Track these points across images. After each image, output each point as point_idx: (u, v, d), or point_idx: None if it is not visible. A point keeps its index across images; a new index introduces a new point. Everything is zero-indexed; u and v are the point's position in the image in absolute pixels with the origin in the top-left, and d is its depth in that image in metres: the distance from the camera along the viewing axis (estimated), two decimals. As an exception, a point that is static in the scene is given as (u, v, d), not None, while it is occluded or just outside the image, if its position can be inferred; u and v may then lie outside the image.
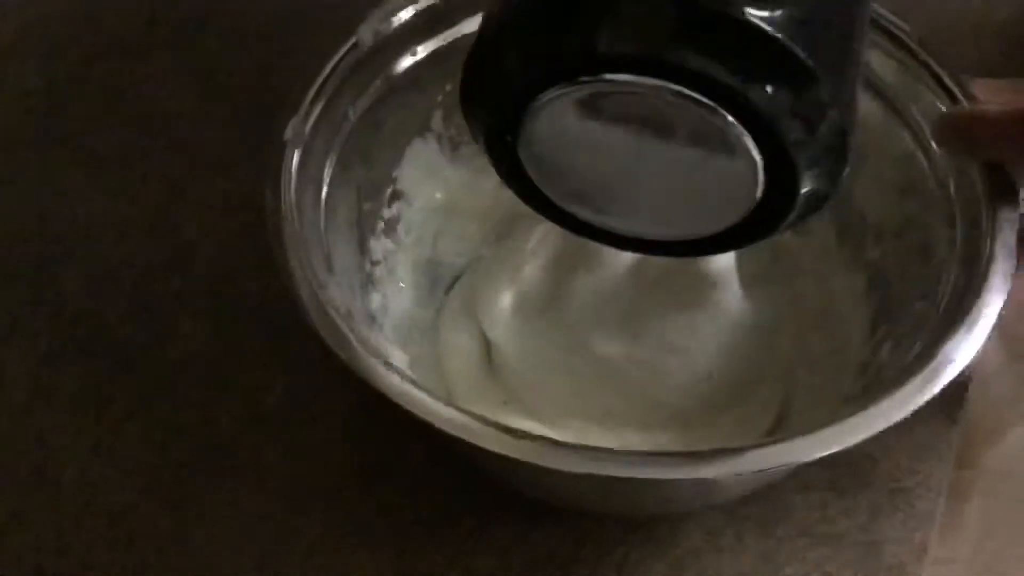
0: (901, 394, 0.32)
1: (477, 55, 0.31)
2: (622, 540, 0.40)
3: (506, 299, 0.44)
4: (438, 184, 0.45)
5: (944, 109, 0.39)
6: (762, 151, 0.29)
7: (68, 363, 0.44)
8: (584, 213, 0.34)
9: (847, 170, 0.31)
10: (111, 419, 0.43)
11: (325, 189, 0.39)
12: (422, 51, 0.42)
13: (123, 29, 0.53)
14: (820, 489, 0.41)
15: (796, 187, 0.30)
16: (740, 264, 0.42)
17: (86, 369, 0.44)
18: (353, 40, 0.41)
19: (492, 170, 0.42)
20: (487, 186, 0.45)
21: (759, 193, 0.31)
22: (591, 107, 0.30)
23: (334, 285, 0.36)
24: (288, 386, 0.43)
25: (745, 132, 0.29)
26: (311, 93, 0.39)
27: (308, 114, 0.39)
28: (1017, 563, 0.41)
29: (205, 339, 0.44)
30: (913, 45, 0.41)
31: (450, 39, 0.43)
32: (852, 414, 0.32)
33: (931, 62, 0.40)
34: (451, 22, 0.43)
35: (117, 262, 0.47)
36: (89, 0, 0.54)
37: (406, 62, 0.42)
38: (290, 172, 0.37)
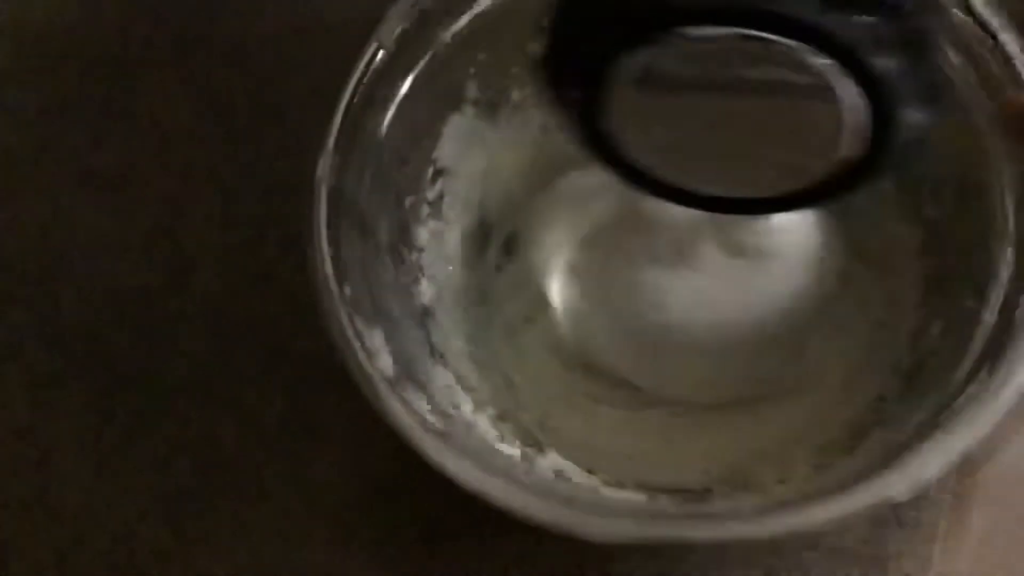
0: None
1: (560, 19, 0.31)
2: (627, 558, 0.40)
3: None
4: (480, 151, 0.44)
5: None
6: (858, 87, 0.28)
7: (68, 382, 0.44)
8: (667, 174, 0.34)
9: (942, 99, 0.30)
10: (112, 438, 0.42)
11: (363, 205, 0.39)
12: (449, 35, 0.41)
13: (120, 46, 0.53)
14: (823, 502, 0.41)
15: (894, 124, 0.29)
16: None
17: (86, 388, 0.44)
18: (375, 45, 0.40)
19: (531, 122, 0.44)
20: (528, 138, 0.45)
21: (855, 136, 0.30)
22: (676, 65, 0.30)
23: (379, 337, 0.37)
24: (289, 404, 0.43)
25: (840, 68, 0.28)
26: (337, 119, 0.39)
27: (338, 140, 0.38)
28: (1019, 575, 0.41)
29: (205, 357, 0.44)
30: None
31: (475, 12, 0.41)
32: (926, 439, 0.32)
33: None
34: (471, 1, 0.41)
35: (116, 280, 0.46)
36: (87, 17, 0.54)
37: (434, 49, 0.41)
38: (321, 211, 0.37)
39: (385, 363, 0.36)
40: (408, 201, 0.42)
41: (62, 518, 0.41)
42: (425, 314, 0.41)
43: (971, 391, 0.34)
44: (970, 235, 0.38)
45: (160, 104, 0.52)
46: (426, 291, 0.42)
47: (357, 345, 0.35)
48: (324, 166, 0.38)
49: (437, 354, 0.41)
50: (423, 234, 0.43)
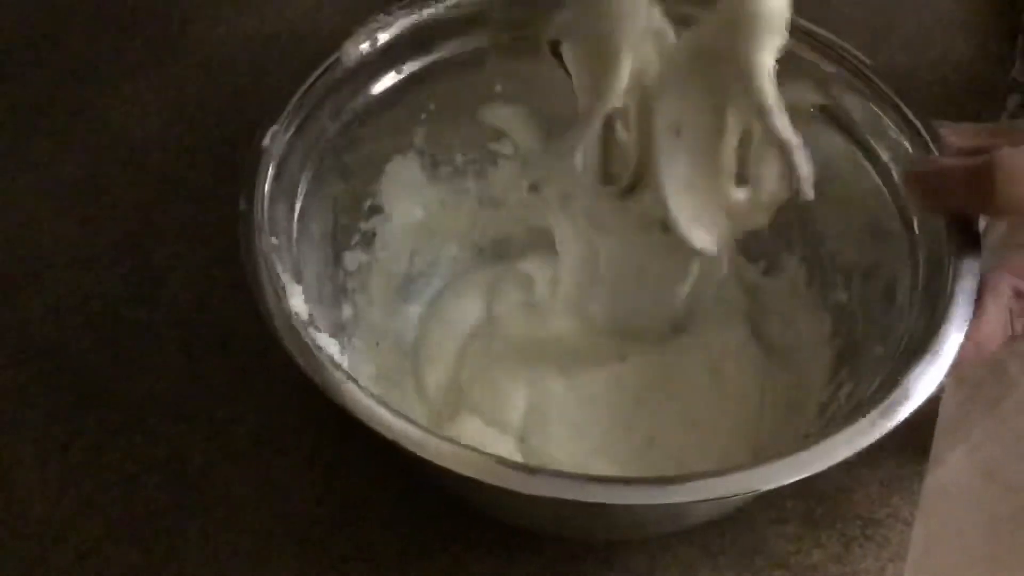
0: (862, 424, 0.33)
1: None
2: (600, 574, 0.40)
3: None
4: (417, 201, 0.45)
5: (910, 149, 0.40)
6: None
7: (34, 396, 0.43)
8: None
9: None
10: (78, 454, 0.42)
11: (300, 201, 0.39)
12: (406, 69, 0.43)
13: (92, 54, 0.53)
14: (794, 522, 0.41)
15: None
16: (715, 301, 0.44)
17: (53, 402, 0.43)
18: (336, 56, 0.41)
19: (471, 192, 0.46)
20: (465, 208, 0.46)
21: None
22: None
23: (298, 294, 0.36)
24: (259, 419, 0.43)
25: None
26: (292, 104, 0.39)
27: (288, 124, 0.39)
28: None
29: (174, 371, 0.44)
30: (877, 81, 0.41)
31: (433, 59, 0.43)
32: (816, 443, 0.33)
33: (896, 99, 0.41)
34: (433, 44, 0.43)
35: (84, 292, 0.46)
36: (57, 25, 0.54)
37: (389, 80, 0.42)
38: (265, 179, 0.37)
39: (299, 307, 0.35)
40: (342, 220, 0.42)
41: (27, 535, 0.40)
42: (340, 329, 0.41)
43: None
44: (878, 302, 0.40)
45: (131, 113, 0.51)
46: (346, 311, 0.42)
47: (273, 284, 0.35)
48: (271, 138, 0.38)
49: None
50: (352, 261, 0.43)
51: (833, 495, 0.41)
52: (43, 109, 0.51)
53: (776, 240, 0.44)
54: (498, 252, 0.48)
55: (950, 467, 0.42)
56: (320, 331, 0.36)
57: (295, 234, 0.38)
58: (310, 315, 0.36)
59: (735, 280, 0.46)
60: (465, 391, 0.44)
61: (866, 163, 0.41)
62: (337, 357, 0.36)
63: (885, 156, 0.41)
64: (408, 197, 0.45)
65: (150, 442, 0.42)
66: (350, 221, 0.43)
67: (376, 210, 0.44)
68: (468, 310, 0.46)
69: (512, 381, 0.44)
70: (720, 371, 0.44)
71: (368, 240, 0.44)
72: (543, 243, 0.45)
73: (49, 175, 0.49)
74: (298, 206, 0.39)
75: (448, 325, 0.46)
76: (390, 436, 0.32)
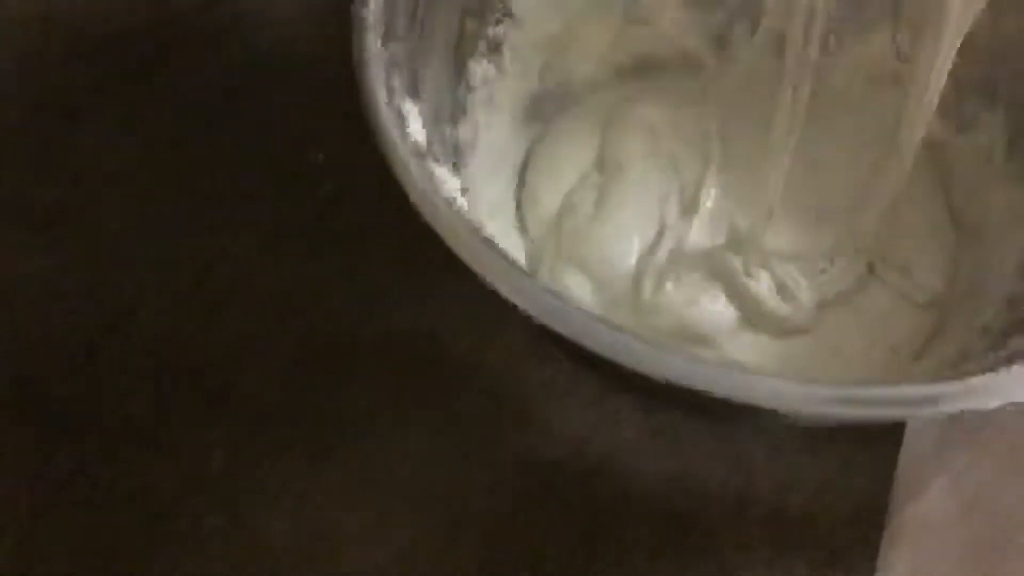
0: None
1: None
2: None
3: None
4: (555, 11, 0.41)
5: None
6: None
7: (4, 428, 0.43)
8: None
9: None
10: (48, 486, 0.42)
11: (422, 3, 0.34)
12: None
13: (64, 84, 0.53)
14: (761, 547, 0.41)
15: None
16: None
17: (22, 434, 0.43)
18: None
19: (618, 3, 0.42)
20: (611, 22, 0.43)
21: None
22: None
23: (415, 116, 0.32)
24: (230, 452, 0.43)
25: None
26: None
27: None
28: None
29: (145, 403, 0.44)
30: None
31: None
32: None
33: None
34: None
35: (55, 323, 0.46)
36: (29, 55, 0.53)
37: None
38: None
39: (417, 132, 0.32)
40: (469, 25, 0.38)
41: (-3, 567, 0.40)
42: (456, 151, 0.38)
43: None
44: None
45: (103, 144, 0.51)
46: (463, 132, 0.39)
47: (393, 105, 0.31)
48: None
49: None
50: (477, 73, 0.40)
51: (799, 520, 0.42)
52: (14, 140, 0.51)
53: (978, 94, 0.39)
54: (639, 72, 0.44)
55: (933, 497, 0.42)
56: (439, 163, 0.33)
57: (415, 38, 0.34)
58: (429, 142, 0.32)
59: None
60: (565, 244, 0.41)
61: None
62: (457, 196, 0.32)
63: None
64: (545, 5, 0.41)
65: (121, 474, 0.42)
66: (478, 26, 0.39)
67: (508, 13, 0.40)
68: (583, 144, 0.43)
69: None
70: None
71: (495, 48, 0.40)
72: (691, 66, 0.43)
73: (20, 206, 0.49)
74: (421, 8, 0.34)
75: (557, 162, 0.43)
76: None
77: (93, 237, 0.48)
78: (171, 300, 0.46)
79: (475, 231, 0.29)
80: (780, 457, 0.42)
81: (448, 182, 0.32)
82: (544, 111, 0.43)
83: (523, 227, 0.42)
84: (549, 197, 0.42)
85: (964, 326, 0.37)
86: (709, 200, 0.42)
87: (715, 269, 0.40)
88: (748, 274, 0.40)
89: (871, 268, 0.41)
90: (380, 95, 0.31)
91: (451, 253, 0.28)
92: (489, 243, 0.29)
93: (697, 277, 0.40)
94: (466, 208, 0.32)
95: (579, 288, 0.40)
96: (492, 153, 0.40)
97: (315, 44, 0.51)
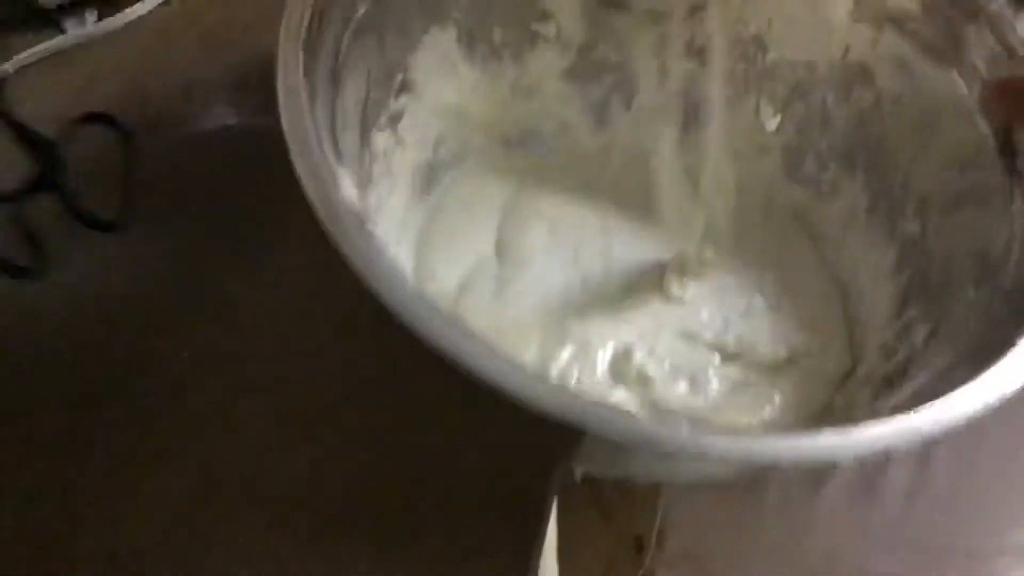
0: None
1: None
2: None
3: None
4: (450, 81, 0.43)
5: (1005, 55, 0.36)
6: None
7: None
8: None
9: None
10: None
11: (340, 64, 0.35)
12: None
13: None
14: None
15: None
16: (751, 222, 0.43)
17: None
18: None
19: (504, 76, 0.44)
20: (499, 95, 0.44)
21: None
22: None
23: (347, 179, 0.33)
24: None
25: None
26: None
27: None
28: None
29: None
30: None
31: None
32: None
33: None
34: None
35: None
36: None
37: None
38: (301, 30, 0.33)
39: (350, 192, 0.32)
40: (374, 94, 0.39)
41: None
42: (364, 215, 0.36)
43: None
44: (964, 244, 0.36)
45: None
46: (370, 197, 0.39)
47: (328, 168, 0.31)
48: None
49: None
50: (379, 142, 0.40)
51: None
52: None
53: (837, 162, 0.43)
54: (525, 145, 0.46)
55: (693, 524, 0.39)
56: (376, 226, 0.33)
57: (334, 108, 0.35)
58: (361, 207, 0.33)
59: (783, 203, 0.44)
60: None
61: (955, 76, 0.37)
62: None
63: (979, 65, 0.36)
64: (441, 74, 0.42)
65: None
66: (381, 95, 0.40)
67: (407, 87, 0.41)
68: (480, 227, 0.44)
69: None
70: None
71: (396, 119, 0.41)
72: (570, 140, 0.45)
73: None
74: (340, 73, 0.35)
75: (454, 240, 0.43)
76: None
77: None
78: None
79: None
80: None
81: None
82: (439, 182, 0.45)
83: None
84: (445, 272, 0.43)
85: (847, 378, 0.40)
86: (611, 293, 0.43)
87: (618, 371, 0.41)
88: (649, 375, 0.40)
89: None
90: (315, 155, 0.31)
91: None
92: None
93: (600, 379, 0.41)
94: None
95: None
96: (393, 223, 0.41)
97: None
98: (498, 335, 0.40)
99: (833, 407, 0.40)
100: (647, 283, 0.43)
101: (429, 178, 0.44)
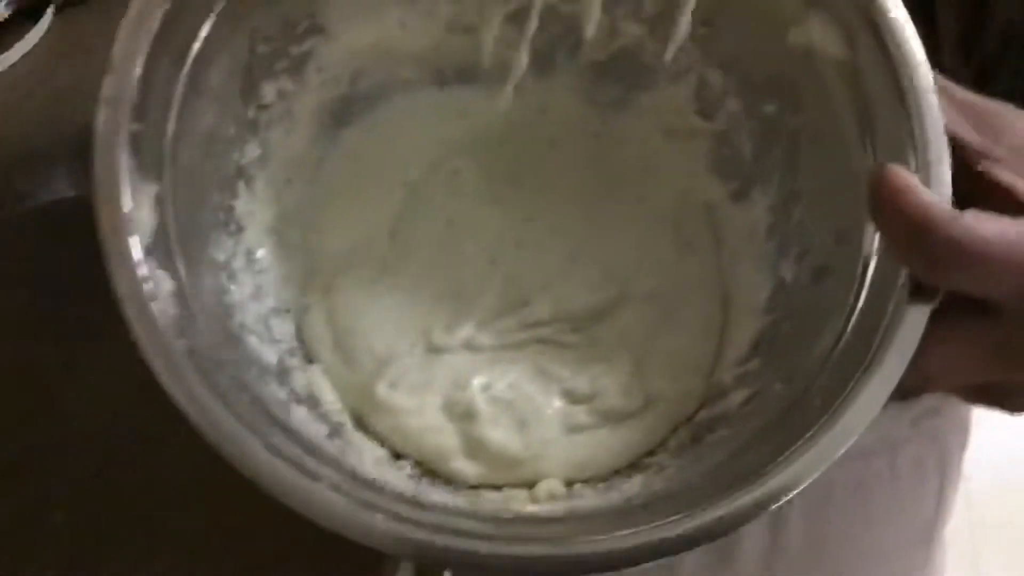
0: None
1: None
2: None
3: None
4: (370, 21, 0.40)
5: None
6: None
7: None
8: None
9: None
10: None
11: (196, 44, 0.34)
12: None
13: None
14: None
15: None
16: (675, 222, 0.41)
17: None
18: None
19: (438, 12, 0.41)
20: (431, 33, 0.41)
21: None
22: None
23: (150, 188, 0.31)
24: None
25: None
26: None
27: None
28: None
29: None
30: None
31: None
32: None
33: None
34: None
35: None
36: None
37: None
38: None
39: (144, 224, 0.30)
40: (261, 49, 0.37)
41: None
42: (239, 175, 0.37)
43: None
44: (817, 305, 0.35)
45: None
46: (250, 151, 0.38)
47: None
48: None
49: (234, 223, 0.37)
50: (271, 91, 0.38)
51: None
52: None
53: (757, 165, 0.40)
54: (463, 78, 0.42)
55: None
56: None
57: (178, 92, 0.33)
58: (159, 225, 0.31)
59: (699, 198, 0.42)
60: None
61: (868, 148, 0.35)
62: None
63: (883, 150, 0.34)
64: (360, 16, 0.39)
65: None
66: (275, 48, 0.38)
67: (315, 30, 0.39)
68: (383, 199, 0.41)
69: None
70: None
71: (299, 63, 0.39)
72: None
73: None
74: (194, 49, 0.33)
75: (352, 202, 0.41)
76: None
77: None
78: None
79: None
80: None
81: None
82: (360, 116, 0.42)
83: (306, 248, 0.40)
84: (337, 236, 0.40)
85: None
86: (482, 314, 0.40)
87: (449, 399, 0.38)
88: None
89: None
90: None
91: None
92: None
93: (433, 400, 0.38)
94: None
95: (326, 352, 0.39)
96: (286, 167, 0.39)
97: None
98: (358, 323, 0.39)
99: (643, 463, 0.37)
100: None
101: (342, 111, 0.41)
